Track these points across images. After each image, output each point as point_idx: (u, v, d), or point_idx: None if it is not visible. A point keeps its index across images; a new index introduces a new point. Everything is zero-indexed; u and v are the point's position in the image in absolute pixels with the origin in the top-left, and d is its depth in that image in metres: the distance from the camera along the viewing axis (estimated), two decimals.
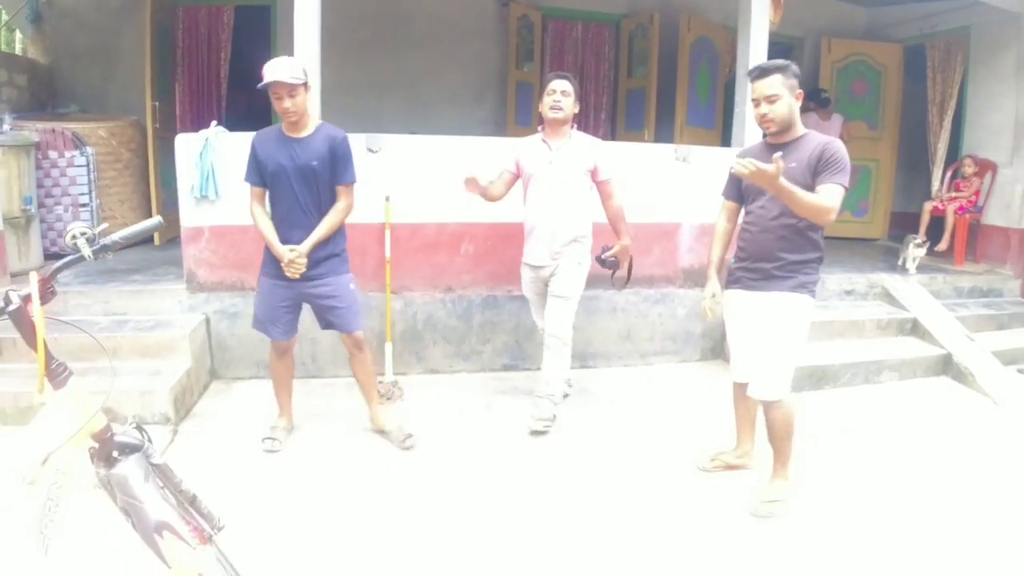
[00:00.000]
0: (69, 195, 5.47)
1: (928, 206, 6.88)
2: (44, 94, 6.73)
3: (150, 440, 1.87)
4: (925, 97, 7.35)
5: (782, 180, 2.63)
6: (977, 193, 6.68)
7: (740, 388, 3.30)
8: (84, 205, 5.48)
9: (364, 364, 3.60)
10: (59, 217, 5.46)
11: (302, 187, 3.26)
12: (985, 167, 6.65)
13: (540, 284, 3.93)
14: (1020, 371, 5.17)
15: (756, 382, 3.06)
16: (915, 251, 6.03)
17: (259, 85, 3.13)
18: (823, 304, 5.43)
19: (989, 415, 4.42)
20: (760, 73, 2.93)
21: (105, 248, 1.79)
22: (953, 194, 6.80)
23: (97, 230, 1.78)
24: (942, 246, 6.62)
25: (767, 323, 3.00)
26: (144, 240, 6.14)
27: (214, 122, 4.36)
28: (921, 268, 6.10)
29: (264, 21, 6.81)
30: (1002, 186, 6.53)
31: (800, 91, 2.94)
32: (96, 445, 1.77)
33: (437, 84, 6.48)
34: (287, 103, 3.13)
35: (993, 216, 6.61)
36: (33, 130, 5.32)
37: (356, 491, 3.13)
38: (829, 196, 2.75)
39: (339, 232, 3.42)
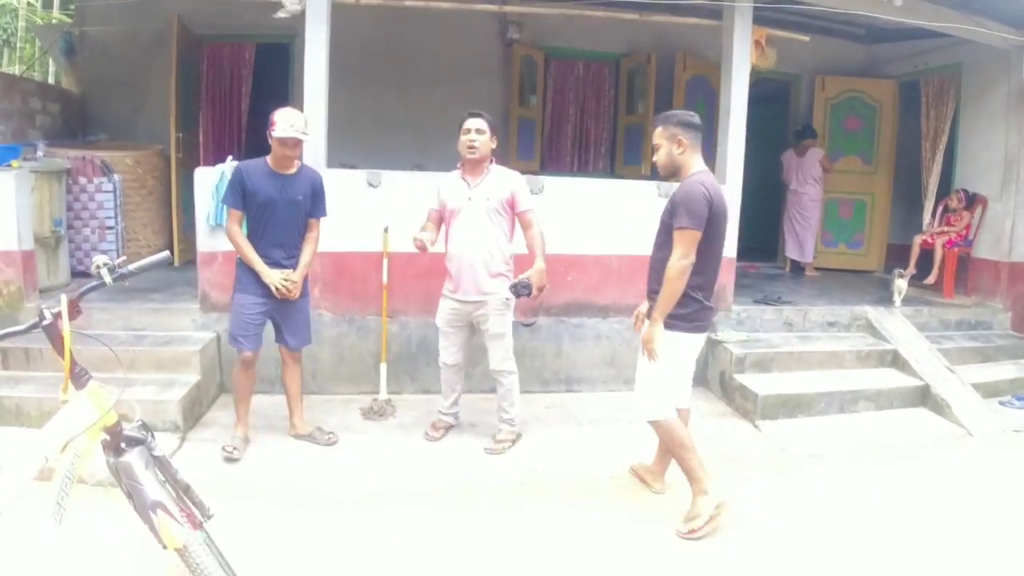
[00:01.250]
0: (96, 218, 5.85)
1: (918, 239, 7.06)
2: (76, 122, 7.16)
3: (152, 436, 2.23)
4: (921, 132, 7.52)
5: (653, 323, 3.17)
6: (968, 227, 6.82)
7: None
8: (110, 228, 5.86)
9: (296, 375, 4.05)
10: (86, 239, 5.85)
11: (287, 215, 3.75)
12: (976, 201, 6.80)
13: (462, 318, 3.99)
14: (1002, 403, 5.26)
15: (635, 401, 3.44)
16: (899, 283, 6.17)
17: (277, 135, 3.57)
18: (803, 335, 5.66)
19: (962, 445, 4.55)
20: (652, 126, 3.35)
21: (122, 276, 2.15)
22: (944, 228, 6.97)
23: (116, 261, 2.13)
24: (930, 279, 6.77)
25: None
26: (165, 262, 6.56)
27: (230, 157, 4.74)
28: (908, 301, 6.19)
29: (283, 57, 7.18)
30: (992, 220, 6.67)
31: (681, 138, 3.19)
32: (108, 437, 2.12)
33: (442, 120, 6.70)
34: (291, 152, 3.68)
35: (984, 250, 6.74)
36: (65, 157, 5.71)
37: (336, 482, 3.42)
38: (672, 258, 3.08)
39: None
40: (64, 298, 2.06)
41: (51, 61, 9.78)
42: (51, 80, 9.28)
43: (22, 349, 4.40)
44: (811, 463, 4.11)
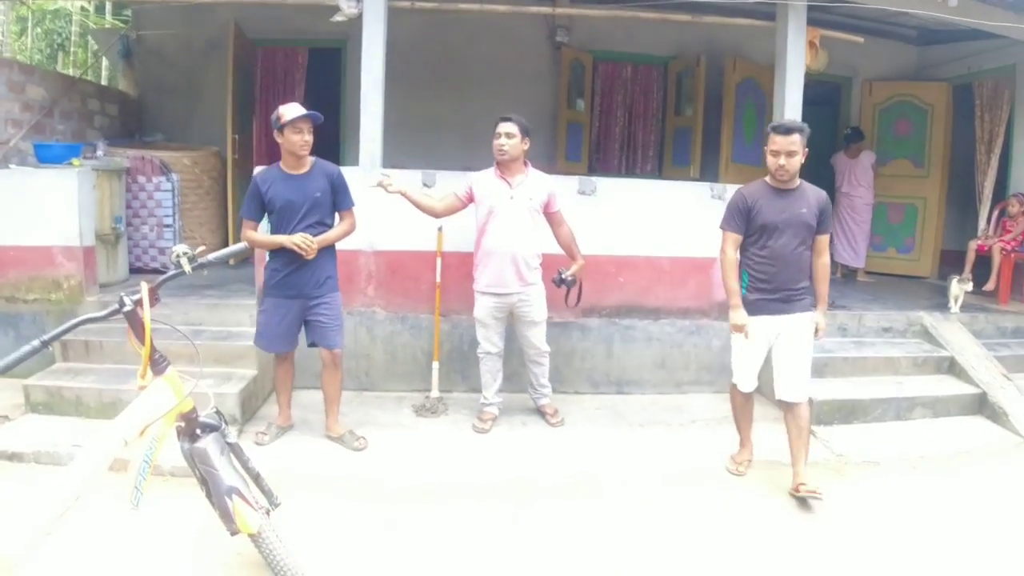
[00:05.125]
0: (155, 216, 6.00)
1: (973, 245, 6.89)
2: (132, 124, 7.36)
3: (226, 423, 2.27)
4: (974, 135, 7.36)
5: (824, 313, 3.75)
6: None
7: (744, 395, 3.91)
8: (168, 226, 6.00)
9: (334, 378, 3.99)
10: (144, 236, 6.00)
11: (308, 215, 3.72)
12: None
13: (504, 310, 4.22)
14: None
15: (798, 389, 3.66)
16: (956, 289, 6.01)
17: (288, 118, 3.55)
18: (858, 340, 5.55)
19: (1020, 453, 4.43)
20: (786, 131, 3.47)
21: (202, 266, 2.19)
22: (1001, 234, 6.81)
23: (196, 251, 2.18)
24: (989, 286, 6.58)
25: (799, 340, 3.64)
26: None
27: None
28: (964, 307, 6.04)
29: (335, 62, 7.33)
30: None
31: (807, 149, 3.51)
32: (183, 424, 2.16)
33: (490, 123, 6.76)
34: (307, 136, 3.65)
35: None
36: (124, 156, 5.87)
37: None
38: (827, 252, 3.71)
39: (334, 256, 3.93)
40: (144, 285, 2.11)
41: (104, 64, 10.09)
42: (104, 82, 9.56)
43: (82, 342, 4.53)
44: (868, 470, 4.05)
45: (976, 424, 4.89)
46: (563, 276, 4.25)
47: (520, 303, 4.18)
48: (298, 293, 3.76)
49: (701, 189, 5.06)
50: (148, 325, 2.05)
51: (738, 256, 3.70)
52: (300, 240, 3.60)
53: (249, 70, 7.02)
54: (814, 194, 3.60)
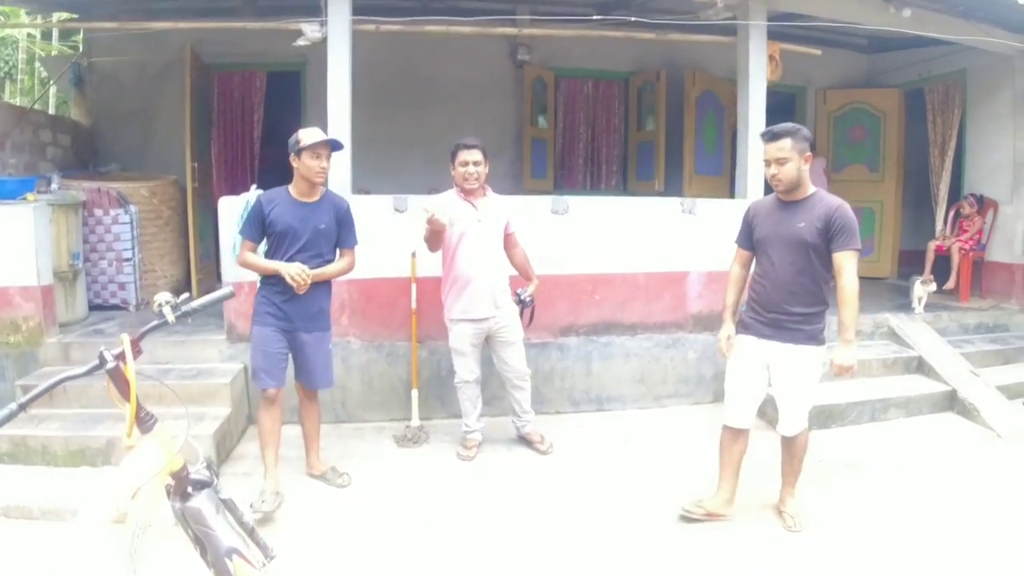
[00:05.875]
0: (113, 250, 5.79)
1: (932, 245, 7.08)
2: (86, 153, 7.13)
3: (217, 477, 2.16)
4: (927, 139, 7.57)
5: (848, 347, 3.18)
6: (980, 232, 6.87)
7: (731, 433, 3.44)
8: (127, 259, 5.80)
9: (314, 413, 3.84)
10: (103, 271, 5.79)
11: (307, 245, 3.55)
12: (986, 205, 6.85)
13: (481, 336, 4.15)
14: None
15: (785, 424, 3.38)
16: (920, 290, 6.17)
17: (307, 143, 3.43)
18: (830, 344, 5.59)
19: (992, 449, 4.55)
20: (772, 137, 3.15)
21: (186, 315, 2.09)
22: (958, 233, 7.00)
23: (180, 299, 2.09)
24: (949, 284, 6.78)
25: (787, 375, 3.28)
26: (181, 292, 6.49)
27: (254, 186, 4.71)
28: (928, 306, 6.22)
29: (294, 85, 7.22)
30: (1004, 223, 6.74)
31: (809, 153, 3.14)
32: (173, 482, 2.06)
33: (455, 140, 6.81)
34: (325, 163, 3.52)
35: (997, 253, 6.80)
36: (80, 189, 5.66)
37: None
38: (850, 273, 3.08)
39: (330, 292, 3.76)
40: (126, 338, 2.01)
41: (53, 93, 9.78)
42: (53, 110, 9.27)
43: None
44: (849, 472, 4.09)
45: (948, 421, 5.04)
46: (522, 297, 4.24)
47: (496, 326, 4.13)
48: (290, 324, 3.58)
49: (671, 204, 5.11)
50: (133, 382, 1.95)
51: (745, 271, 3.49)
52: (297, 272, 3.43)
53: (206, 95, 6.88)
54: (823, 206, 3.12)
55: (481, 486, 3.87)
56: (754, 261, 3.41)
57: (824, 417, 4.77)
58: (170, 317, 2.08)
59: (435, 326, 4.56)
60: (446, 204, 3.99)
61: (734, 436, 3.44)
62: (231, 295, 2.26)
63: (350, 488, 3.79)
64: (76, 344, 4.78)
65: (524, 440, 4.41)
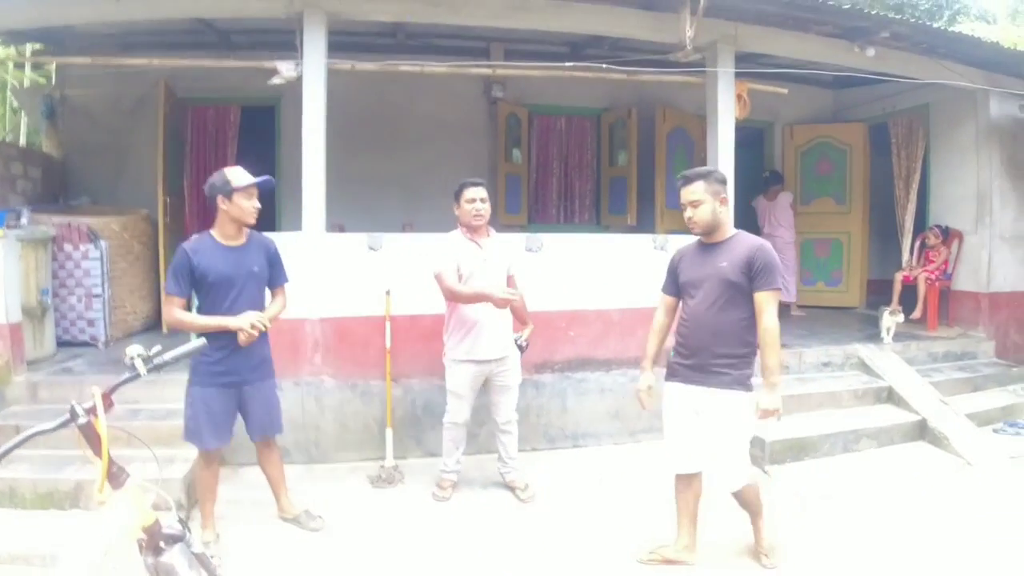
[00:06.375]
0: (83, 286, 5.71)
1: (899, 276, 7.22)
2: (57, 187, 7.03)
3: (189, 530, 2.13)
4: (892, 172, 7.75)
5: (772, 391, 3.05)
6: (946, 262, 7.03)
7: (682, 480, 3.34)
8: (97, 295, 5.72)
9: (275, 458, 3.72)
10: (72, 307, 5.70)
11: (246, 292, 3.37)
12: (951, 236, 7.02)
13: (481, 378, 4.05)
14: (996, 431, 5.40)
15: (719, 478, 3.20)
16: (888, 321, 6.28)
17: (238, 184, 3.26)
18: (800, 377, 5.73)
19: (963, 477, 4.63)
20: (685, 181, 3.19)
21: (158, 367, 2.07)
22: (924, 264, 7.14)
23: (151, 351, 2.07)
24: (916, 314, 6.90)
25: (715, 423, 3.12)
26: (151, 328, 6.41)
27: None
28: (896, 336, 6.32)
29: (269, 120, 7.22)
30: (969, 253, 6.91)
31: (724, 196, 3.17)
32: (146, 537, 2.02)
33: (431, 177, 6.81)
34: (257, 203, 3.37)
35: (963, 282, 6.97)
36: (50, 224, 5.59)
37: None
38: (770, 314, 3.03)
39: (267, 335, 3.49)
40: (97, 391, 1.99)
41: (23, 123, 9.68)
42: (23, 140, 9.17)
43: (12, 427, 4.23)
44: (825, 505, 4.13)
45: (919, 450, 5.11)
46: (518, 342, 4.17)
47: (498, 369, 4.03)
48: (236, 379, 3.38)
49: (643, 241, 5.18)
50: (105, 438, 1.92)
51: (669, 320, 3.43)
52: (256, 320, 3.26)
53: (179, 129, 6.86)
54: (744, 246, 3.10)
55: (456, 529, 3.82)
56: (680, 306, 3.35)
57: (797, 450, 4.83)
58: (142, 370, 2.05)
59: (410, 364, 4.56)
60: (455, 243, 3.98)
61: (686, 482, 3.34)
62: (204, 347, 2.24)
63: (324, 531, 3.73)
64: (44, 383, 4.71)
65: (506, 486, 4.30)
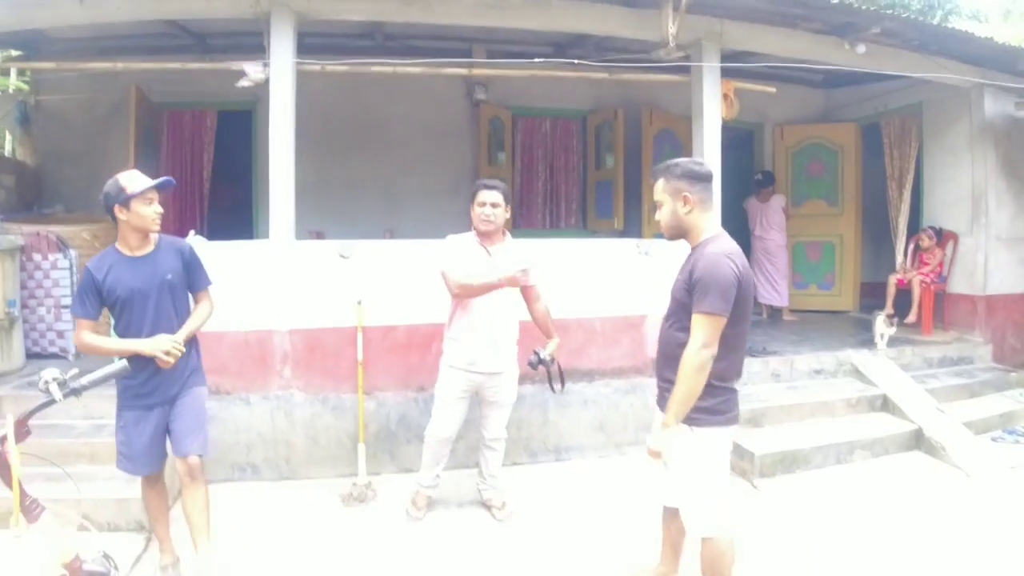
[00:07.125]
0: (52, 296, 5.55)
1: (892, 279, 7.09)
2: (30, 194, 6.88)
3: (116, 567, 1.97)
4: (885, 172, 7.62)
5: (662, 430, 2.61)
6: (941, 264, 6.90)
7: (668, 511, 3.03)
8: (66, 306, 5.55)
9: (196, 496, 3.08)
10: (41, 318, 5.54)
11: (160, 303, 3.09)
12: (945, 238, 6.89)
13: (472, 390, 3.86)
14: (994, 439, 5.25)
15: (684, 517, 2.81)
16: (882, 327, 6.11)
17: (134, 191, 2.98)
18: (791, 385, 5.57)
19: (960, 489, 4.48)
20: (653, 177, 2.79)
21: (74, 392, 1.91)
22: (918, 266, 7.02)
23: (68, 375, 1.91)
24: (911, 318, 6.78)
25: (676, 457, 2.70)
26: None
27: (192, 231, 4.53)
28: (890, 341, 6.15)
29: (246, 124, 7.07)
30: (964, 255, 6.78)
31: (688, 194, 2.66)
32: (67, 574, 1.86)
33: (412, 181, 6.71)
34: (159, 208, 3.09)
35: (958, 284, 6.82)
36: (19, 233, 5.43)
37: None
38: (694, 341, 2.53)
39: (197, 346, 3.30)
40: (10, 418, 1.83)
41: (6, 131, 9.51)
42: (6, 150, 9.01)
43: None
44: (817, 520, 3.98)
45: (915, 460, 4.96)
46: (541, 357, 3.83)
47: (492, 382, 3.84)
48: (161, 399, 3.11)
49: (628, 246, 5.03)
50: (16, 468, 1.76)
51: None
52: (170, 347, 2.97)
53: (154, 134, 6.72)
54: (700, 255, 2.64)
55: (429, 550, 3.65)
56: None
57: (788, 462, 4.67)
58: (57, 395, 1.90)
59: (383, 377, 4.39)
60: (463, 244, 3.83)
61: (671, 513, 3.00)
62: (126, 370, 2.08)
63: (292, 551, 3.56)
64: (9, 397, 4.52)
65: (483, 504, 4.12)
